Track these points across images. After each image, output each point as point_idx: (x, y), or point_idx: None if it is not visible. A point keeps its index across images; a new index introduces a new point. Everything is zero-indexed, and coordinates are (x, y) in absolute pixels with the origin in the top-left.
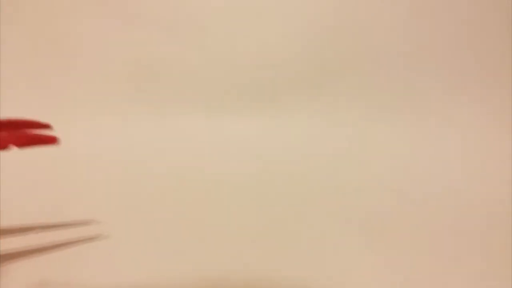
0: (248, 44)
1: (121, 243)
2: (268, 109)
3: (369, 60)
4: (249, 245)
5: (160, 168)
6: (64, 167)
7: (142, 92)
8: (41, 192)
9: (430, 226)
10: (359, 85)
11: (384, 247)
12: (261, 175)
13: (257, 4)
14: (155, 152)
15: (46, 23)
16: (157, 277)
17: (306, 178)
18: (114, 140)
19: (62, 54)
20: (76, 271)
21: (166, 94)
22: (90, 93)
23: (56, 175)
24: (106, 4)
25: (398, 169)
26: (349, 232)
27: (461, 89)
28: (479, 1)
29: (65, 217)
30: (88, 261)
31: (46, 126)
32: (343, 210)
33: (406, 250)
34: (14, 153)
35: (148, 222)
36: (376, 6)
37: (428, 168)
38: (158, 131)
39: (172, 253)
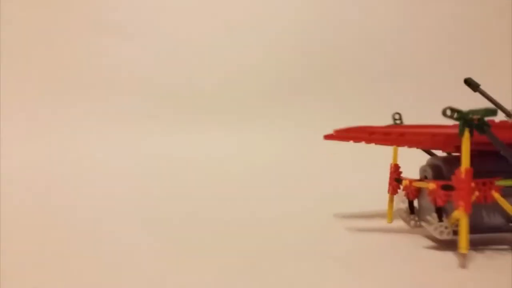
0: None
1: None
2: (248, 122)
3: (342, 77)
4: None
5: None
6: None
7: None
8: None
9: None
10: (332, 101)
11: None
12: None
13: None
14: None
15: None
16: None
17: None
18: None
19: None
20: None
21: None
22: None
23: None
24: (117, 27)
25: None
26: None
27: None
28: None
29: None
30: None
31: None
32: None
33: None
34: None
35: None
36: (349, 23)
37: None
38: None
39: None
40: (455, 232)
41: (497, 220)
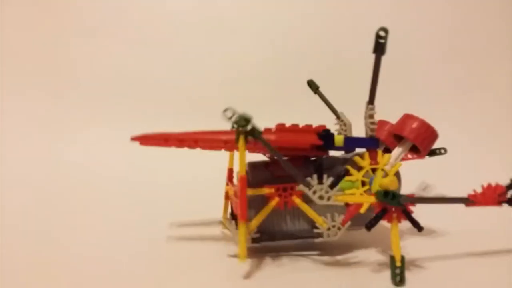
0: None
1: None
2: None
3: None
4: None
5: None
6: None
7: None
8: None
9: None
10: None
11: None
12: None
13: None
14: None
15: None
16: None
17: None
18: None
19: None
20: None
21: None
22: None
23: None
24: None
25: None
26: None
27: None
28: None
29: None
30: None
31: None
32: None
33: None
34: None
35: None
36: (347, 23)
37: None
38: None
39: None
40: (255, 240)
41: (301, 226)
